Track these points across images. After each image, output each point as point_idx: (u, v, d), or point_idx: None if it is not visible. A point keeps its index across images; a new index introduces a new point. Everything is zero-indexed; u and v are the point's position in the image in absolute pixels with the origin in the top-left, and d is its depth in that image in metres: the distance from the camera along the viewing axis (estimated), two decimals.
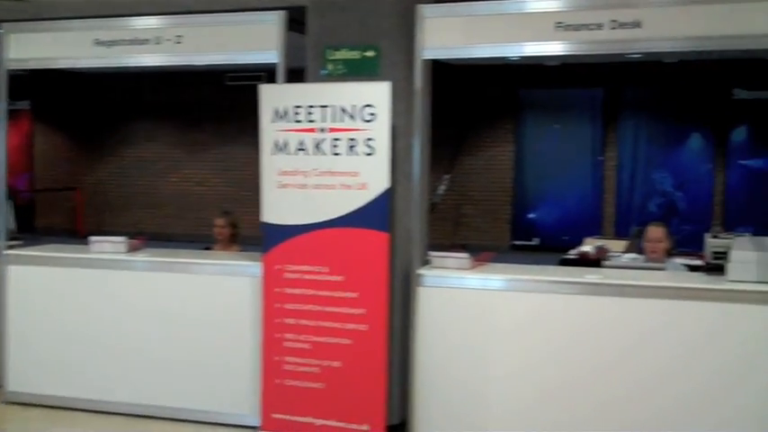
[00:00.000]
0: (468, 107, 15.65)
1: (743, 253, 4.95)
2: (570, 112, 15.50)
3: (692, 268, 6.09)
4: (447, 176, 15.45)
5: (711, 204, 14.72)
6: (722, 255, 5.08)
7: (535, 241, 15.50)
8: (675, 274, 5.86)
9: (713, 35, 4.90)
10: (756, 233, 5.61)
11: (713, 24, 4.86)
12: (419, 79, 5.33)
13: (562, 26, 5.11)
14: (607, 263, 7.20)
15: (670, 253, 6.30)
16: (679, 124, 14.86)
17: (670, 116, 14.93)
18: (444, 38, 5.34)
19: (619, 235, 13.38)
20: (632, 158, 15.22)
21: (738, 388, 4.79)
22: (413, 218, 5.42)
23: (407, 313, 5.34)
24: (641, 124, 15.20)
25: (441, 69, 5.73)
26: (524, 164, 15.79)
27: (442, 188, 15.25)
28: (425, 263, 5.46)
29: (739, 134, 14.64)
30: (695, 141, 14.87)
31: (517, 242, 15.67)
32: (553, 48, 5.25)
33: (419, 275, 5.31)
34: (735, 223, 13.34)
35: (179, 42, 5.91)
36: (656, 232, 6.24)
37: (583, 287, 5.06)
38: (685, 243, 9.62)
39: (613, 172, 15.32)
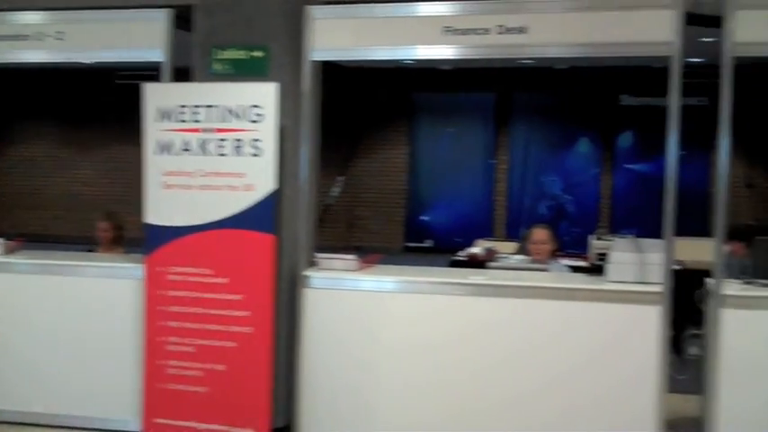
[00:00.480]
0: (362, 110, 15.71)
1: (621, 254, 5.08)
2: (463, 115, 15.72)
3: (576, 269, 6.22)
4: (341, 179, 15.48)
5: (599, 207, 15.11)
6: (605, 256, 5.21)
7: (428, 243, 15.66)
8: (557, 274, 5.98)
9: (597, 42, 5.02)
10: (641, 235, 5.77)
11: (597, 32, 4.99)
12: (307, 80, 5.31)
13: (450, 30, 5.16)
14: (493, 264, 7.28)
15: (555, 254, 6.42)
16: (568, 129, 15.24)
17: (560, 121, 15.30)
18: (333, 39, 5.33)
19: (510, 237, 13.59)
20: (523, 162, 15.52)
21: (619, 386, 4.90)
22: (300, 219, 5.38)
23: (294, 315, 5.31)
24: (532, 129, 15.53)
25: (335, 72, 5.72)
26: (418, 167, 15.93)
27: (335, 190, 15.27)
28: (312, 265, 5.43)
29: (625, 139, 15.11)
30: (584, 146, 15.28)
31: (410, 244, 15.80)
32: (441, 51, 5.32)
33: (305, 277, 5.29)
34: (621, 225, 13.72)
35: (60, 39, 5.76)
36: (539, 234, 6.35)
37: (467, 288, 5.11)
38: (574, 245, 9.86)
39: (505, 175, 15.60)
